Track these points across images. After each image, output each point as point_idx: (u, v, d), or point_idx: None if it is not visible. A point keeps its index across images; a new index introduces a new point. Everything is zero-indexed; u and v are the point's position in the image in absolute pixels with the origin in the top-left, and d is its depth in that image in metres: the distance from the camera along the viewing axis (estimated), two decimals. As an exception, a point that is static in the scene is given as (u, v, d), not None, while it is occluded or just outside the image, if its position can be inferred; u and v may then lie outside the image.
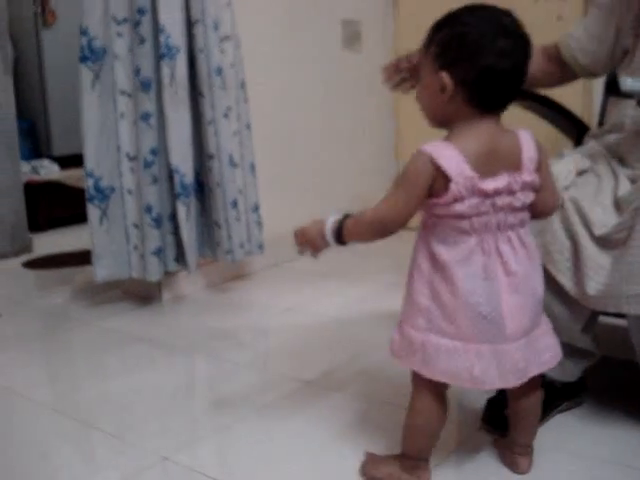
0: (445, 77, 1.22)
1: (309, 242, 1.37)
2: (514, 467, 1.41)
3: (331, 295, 2.64)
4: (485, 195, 1.21)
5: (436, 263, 1.26)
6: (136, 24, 2.29)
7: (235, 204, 2.50)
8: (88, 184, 2.34)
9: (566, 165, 1.54)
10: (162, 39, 2.29)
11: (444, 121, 1.27)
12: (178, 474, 1.45)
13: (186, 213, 2.40)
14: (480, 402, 1.61)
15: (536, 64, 1.68)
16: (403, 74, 1.75)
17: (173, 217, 2.43)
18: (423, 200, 1.23)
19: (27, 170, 4.05)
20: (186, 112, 2.38)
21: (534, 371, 1.31)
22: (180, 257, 2.48)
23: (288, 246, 3.00)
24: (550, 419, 1.58)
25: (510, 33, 1.22)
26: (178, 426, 1.66)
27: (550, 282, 1.45)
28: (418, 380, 1.32)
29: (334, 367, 1.92)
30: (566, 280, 1.46)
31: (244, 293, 2.70)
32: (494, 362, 1.25)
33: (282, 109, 3.10)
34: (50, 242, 3.68)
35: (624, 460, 1.44)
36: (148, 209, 2.34)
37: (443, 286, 1.25)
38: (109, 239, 2.37)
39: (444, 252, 1.24)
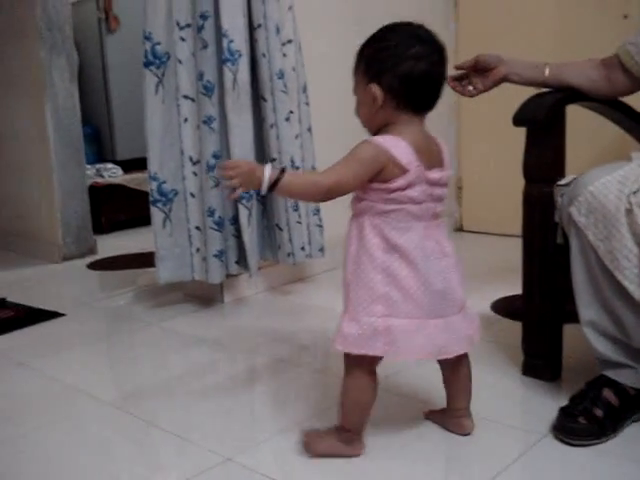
0: (374, 88, 1.40)
1: (242, 176, 1.37)
2: (461, 429, 1.55)
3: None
4: (431, 184, 1.40)
5: (392, 249, 1.38)
6: (199, 29, 2.32)
7: (296, 207, 2.51)
8: (152, 187, 2.38)
9: (634, 169, 1.50)
10: (225, 44, 2.30)
11: (382, 128, 1.44)
12: (240, 475, 1.45)
13: (248, 216, 2.41)
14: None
15: (596, 75, 1.70)
16: (464, 81, 1.84)
17: (235, 220, 2.45)
18: (365, 183, 1.39)
19: (91, 173, 4.14)
20: (248, 116, 2.40)
21: (477, 338, 1.50)
22: (241, 260, 2.50)
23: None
24: (625, 428, 1.53)
25: (423, 41, 1.41)
26: (240, 427, 1.66)
27: (618, 289, 1.42)
28: (350, 360, 1.43)
29: (397, 371, 1.90)
30: (634, 287, 1.43)
31: (304, 296, 2.71)
32: (451, 332, 1.43)
33: (342, 111, 3.08)
34: (113, 244, 3.76)
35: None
36: (210, 212, 2.36)
37: (402, 270, 1.38)
38: (172, 242, 2.41)
39: (399, 237, 1.38)
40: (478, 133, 3.63)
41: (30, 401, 1.84)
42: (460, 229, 3.83)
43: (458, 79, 1.91)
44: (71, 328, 2.45)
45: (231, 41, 2.31)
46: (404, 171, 1.36)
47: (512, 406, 1.74)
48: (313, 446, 1.50)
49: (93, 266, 3.40)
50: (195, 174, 2.37)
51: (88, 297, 2.81)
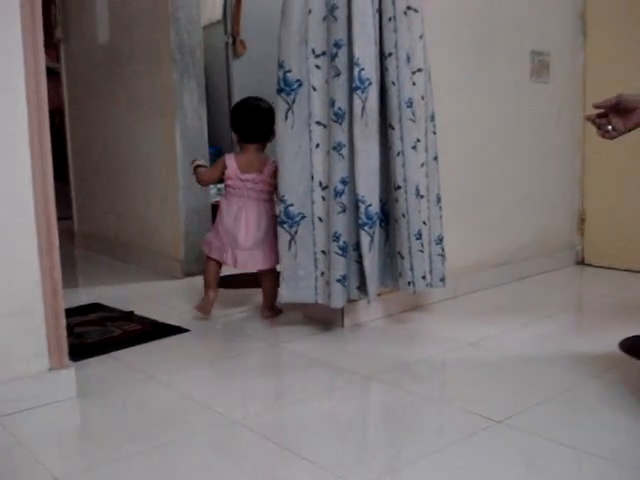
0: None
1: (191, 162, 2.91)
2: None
3: (513, 331, 2.58)
4: (242, 180, 2.67)
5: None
6: (333, 57, 2.36)
7: (420, 235, 2.50)
8: (279, 209, 2.43)
9: None
10: (355, 72, 2.34)
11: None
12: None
13: (369, 243, 2.43)
14: None
15: None
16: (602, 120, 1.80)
17: (358, 246, 2.47)
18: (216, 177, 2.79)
19: (213, 193, 4.25)
20: (375, 143, 2.42)
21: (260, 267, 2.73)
22: (362, 285, 2.51)
23: (467, 278, 3.01)
24: None
25: (249, 107, 2.73)
26: (377, 451, 1.67)
27: None
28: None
29: (525, 408, 1.87)
30: None
31: (422, 324, 2.70)
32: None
33: (469, 140, 3.09)
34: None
35: None
36: (336, 237, 2.39)
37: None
38: (296, 263, 2.45)
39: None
40: (602, 164, 3.55)
41: (162, 415, 1.90)
42: (581, 262, 3.73)
43: (597, 117, 1.86)
44: (196, 344, 2.53)
45: (362, 69, 2.35)
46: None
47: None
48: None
49: (213, 283, 3.49)
50: (323, 199, 2.41)
51: (210, 313, 2.88)
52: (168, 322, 2.73)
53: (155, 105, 3.72)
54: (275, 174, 2.56)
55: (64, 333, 2.02)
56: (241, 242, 2.66)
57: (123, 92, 4.01)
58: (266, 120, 2.66)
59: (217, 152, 4.66)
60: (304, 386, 2.13)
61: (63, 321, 2.02)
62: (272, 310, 2.79)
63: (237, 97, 4.62)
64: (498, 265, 3.29)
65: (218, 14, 4.56)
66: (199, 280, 3.52)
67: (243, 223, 2.66)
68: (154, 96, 3.72)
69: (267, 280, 2.76)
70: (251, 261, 2.68)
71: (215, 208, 3.98)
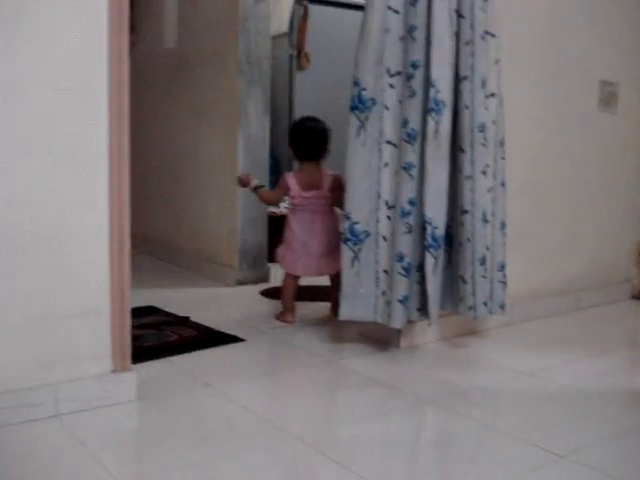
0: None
1: (241, 182, 3.07)
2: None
3: (571, 363, 2.54)
4: (305, 198, 2.87)
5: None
6: (408, 77, 2.36)
7: (483, 261, 2.49)
8: (344, 226, 2.43)
9: None
10: (431, 93, 2.34)
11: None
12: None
13: (433, 265, 2.41)
14: None
15: None
16: None
17: (420, 267, 2.45)
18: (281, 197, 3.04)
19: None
20: (445, 166, 2.41)
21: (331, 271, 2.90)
22: (422, 307, 2.50)
23: (523, 306, 2.97)
24: None
25: (305, 128, 2.94)
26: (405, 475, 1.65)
27: None
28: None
29: (588, 443, 1.84)
30: None
31: (478, 350, 2.67)
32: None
33: (533, 167, 3.06)
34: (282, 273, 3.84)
35: None
36: (400, 257, 2.38)
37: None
38: (358, 281, 2.44)
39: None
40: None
41: (222, 425, 1.90)
42: (637, 297, 3.67)
43: None
44: (252, 355, 2.53)
45: (438, 91, 2.34)
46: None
47: None
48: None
49: (265, 293, 3.50)
50: (389, 218, 2.40)
51: (265, 325, 2.89)
52: (222, 330, 2.74)
53: (219, 113, 3.75)
54: (333, 187, 2.84)
55: (129, 336, 2.04)
56: (314, 250, 2.88)
57: (187, 98, 4.05)
58: (320, 141, 2.89)
59: (274, 163, 4.68)
60: (360, 405, 2.13)
61: (129, 324, 2.04)
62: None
63: (298, 110, 4.65)
64: (553, 295, 3.25)
65: (284, 26, 4.59)
66: (251, 289, 3.57)
67: (313, 233, 2.88)
68: (219, 104, 3.75)
69: (338, 280, 2.70)
70: (324, 267, 2.88)
71: (272, 219, 4.03)
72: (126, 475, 1.62)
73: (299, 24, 4.64)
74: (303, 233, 2.88)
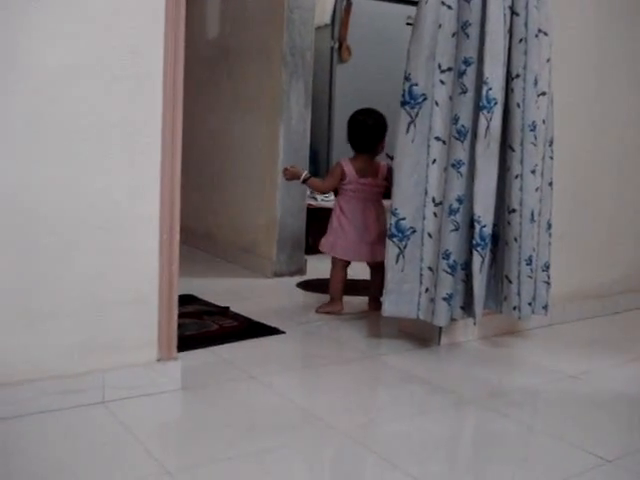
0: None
1: (291, 175, 3.06)
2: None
3: (613, 367, 2.51)
4: (360, 184, 2.90)
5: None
6: (460, 74, 2.34)
7: (530, 261, 2.46)
8: (390, 221, 2.42)
9: None
10: (484, 91, 2.31)
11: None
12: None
13: (480, 264, 2.40)
14: None
15: None
16: None
17: (466, 266, 2.44)
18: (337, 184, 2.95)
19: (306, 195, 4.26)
20: (495, 164, 2.39)
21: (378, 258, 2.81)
22: (465, 306, 2.48)
23: (563, 308, 2.94)
24: None
25: (357, 122, 2.93)
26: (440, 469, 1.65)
27: None
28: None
29: (635, 449, 1.81)
30: None
31: (519, 350, 2.65)
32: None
33: (580, 168, 3.02)
34: (318, 266, 3.83)
35: None
36: (446, 255, 2.36)
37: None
38: (402, 277, 2.43)
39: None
40: None
41: (267, 417, 1.91)
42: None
43: None
44: (293, 348, 2.53)
45: (490, 88, 2.32)
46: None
47: None
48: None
49: (302, 285, 3.50)
50: (435, 215, 2.38)
51: (304, 317, 2.89)
52: (261, 321, 2.74)
53: (261, 104, 3.75)
54: (388, 177, 2.83)
55: (175, 325, 2.05)
56: (367, 236, 2.90)
57: (229, 89, 4.05)
58: (373, 135, 2.90)
59: (312, 154, 4.66)
60: (401, 402, 2.12)
61: (175, 313, 2.05)
62: (378, 302, 2.76)
63: (338, 102, 4.64)
64: (593, 297, 3.21)
65: (327, 18, 4.57)
66: (287, 281, 3.57)
67: (367, 219, 2.91)
68: (261, 95, 3.75)
69: (379, 274, 2.81)
70: (378, 253, 2.82)
71: (309, 211, 4.02)
72: (175, 465, 1.62)
73: (341, 16, 4.62)
74: (357, 219, 2.90)
